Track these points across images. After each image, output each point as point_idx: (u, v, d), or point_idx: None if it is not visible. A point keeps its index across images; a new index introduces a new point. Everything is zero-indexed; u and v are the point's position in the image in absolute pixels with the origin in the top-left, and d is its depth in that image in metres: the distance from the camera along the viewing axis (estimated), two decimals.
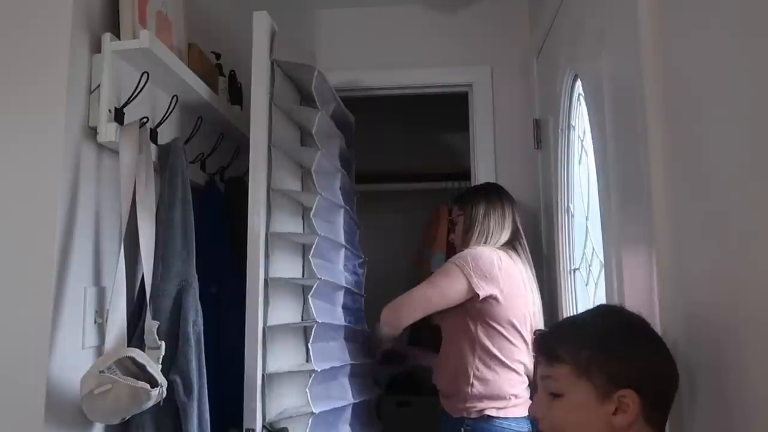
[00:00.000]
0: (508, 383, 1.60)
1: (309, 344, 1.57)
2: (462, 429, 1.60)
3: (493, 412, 1.57)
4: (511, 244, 1.76)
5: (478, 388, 1.59)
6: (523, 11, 2.27)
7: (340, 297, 1.86)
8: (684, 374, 0.93)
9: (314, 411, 1.53)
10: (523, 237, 1.79)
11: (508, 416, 1.57)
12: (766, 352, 0.73)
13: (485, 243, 1.74)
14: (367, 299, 2.06)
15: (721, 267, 0.84)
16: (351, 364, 1.81)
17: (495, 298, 1.61)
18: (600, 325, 0.95)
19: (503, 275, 1.64)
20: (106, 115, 1.26)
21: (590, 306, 1.57)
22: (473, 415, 1.57)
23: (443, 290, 1.65)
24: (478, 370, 1.61)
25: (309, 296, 1.58)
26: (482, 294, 1.60)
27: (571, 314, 1.68)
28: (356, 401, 1.78)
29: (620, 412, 0.85)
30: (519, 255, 1.75)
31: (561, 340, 0.94)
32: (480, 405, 1.59)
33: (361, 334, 1.98)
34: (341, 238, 1.88)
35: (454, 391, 1.65)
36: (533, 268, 1.78)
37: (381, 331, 1.76)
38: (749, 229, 0.76)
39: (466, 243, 1.76)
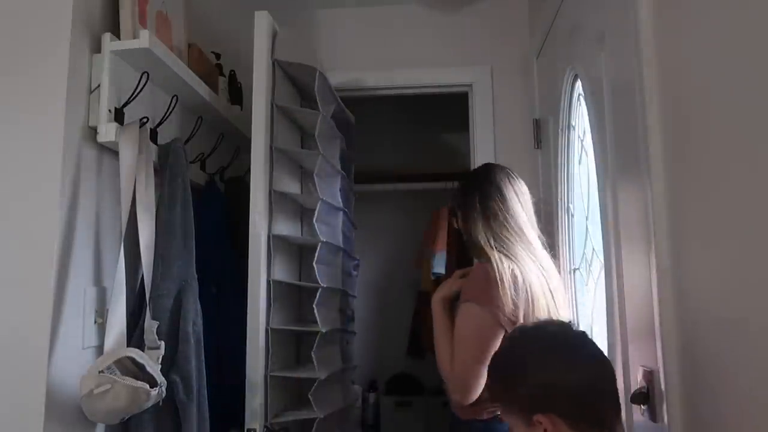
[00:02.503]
0: None
1: (312, 352, 1.57)
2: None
3: None
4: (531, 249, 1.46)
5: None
6: (523, 11, 2.27)
7: (338, 300, 1.87)
8: (681, 374, 0.93)
9: (320, 415, 1.54)
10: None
11: None
12: (764, 353, 0.73)
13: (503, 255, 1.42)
14: (367, 298, 2.07)
15: (720, 267, 0.84)
16: (342, 368, 1.82)
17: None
18: (502, 357, 0.99)
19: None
20: (106, 115, 1.26)
21: (591, 306, 1.58)
22: (484, 416, 1.46)
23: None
24: None
25: (314, 305, 1.59)
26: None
27: (568, 316, 1.59)
28: (345, 405, 1.79)
29: None
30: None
31: (489, 381, 1.02)
32: (493, 406, 1.44)
33: (347, 337, 1.97)
34: (340, 241, 1.88)
35: None
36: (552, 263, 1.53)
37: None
38: (749, 230, 0.76)
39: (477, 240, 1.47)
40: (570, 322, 0.95)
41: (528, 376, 0.89)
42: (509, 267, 1.38)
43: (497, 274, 1.36)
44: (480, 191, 1.51)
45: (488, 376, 1.02)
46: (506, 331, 1.35)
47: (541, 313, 1.38)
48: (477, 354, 1.36)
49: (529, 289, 1.38)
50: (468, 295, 1.41)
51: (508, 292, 1.35)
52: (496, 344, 1.35)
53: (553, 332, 0.94)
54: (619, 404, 0.89)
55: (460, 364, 1.39)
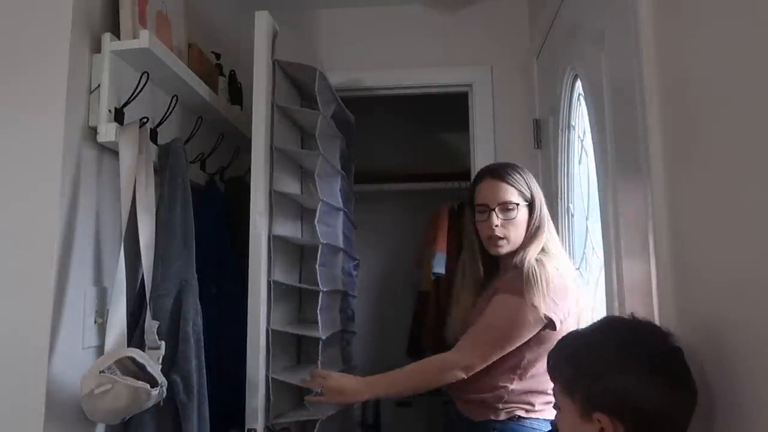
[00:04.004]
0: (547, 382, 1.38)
1: (318, 357, 1.57)
2: None
3: (522, 413, 1.40)
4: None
5: (516, 387, 1.40)
6: (523, 11, 2.27)
7: (338, 301, 1.87)
8: None
9: (321, 416, 1.54)
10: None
11: (539, 417, 1.40)
12: (765, 351, 0.73)
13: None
14: (367, 298, 2.07)
15: (720, 268, 0.84)
16: (342, 369, 1.82)
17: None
18: (587, 341, 0.91)
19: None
20: (106, 115, 1.26)
21: (591, 305, 1.58)
22: (501, 417, 1.40)
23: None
24: (516, 374, 1.40)
25: (318, 311, 1.59)
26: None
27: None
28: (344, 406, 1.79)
29: None
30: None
31: (555, 356, 0.95)
32: (510, 406, 1.41)
33: (347, 337, 1.97)
34: (340, 242, 1.88)
35: (484, 395, 1.42)
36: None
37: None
38: (749, 229, 0.76)
39: (532, 244, 1.44)
40: (669, 332, 0.87)
41: (610, 375, 0.83)
42: (554, 266, 1.39)
43: (544, 274, 1.36)
44: (540, 191, 1.50)
45: (559, 350, 0.95)
46: (540, 327, 1.34)
47: (573, 308, 1.39)
48: (502, 337, 1.35)
49: (568, 287, 1.39)
50: (506, 289, 1.39)
51: (547, 291, 1.34)
52: (524, 336, 1.35)
53: (649, 341, 0.86)
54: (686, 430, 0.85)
55: (480, 335, 1.38)
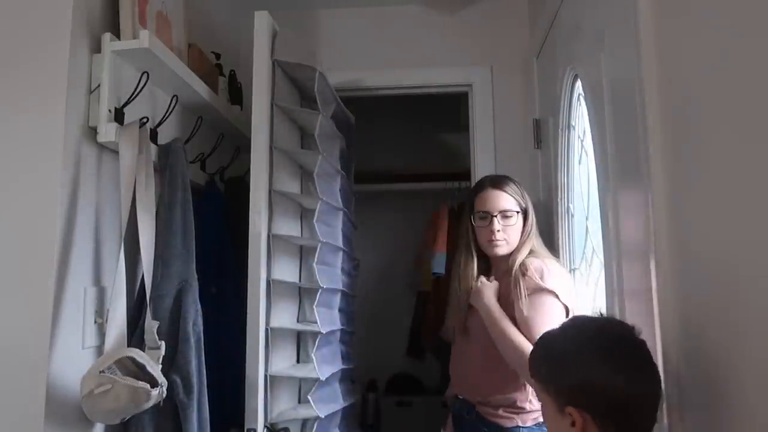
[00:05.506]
0: None
1: (313, 353, 1.57)
2: None
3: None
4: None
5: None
6: (523, 11, 2.27)
7: (337, 300, 1.87)
8: (681, 375, 0.93)
9: (320, 415, 1.54)
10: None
11: None
12: (765, 355, 0.73)
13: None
14: (367, 299, 2.07)
15: (720, 269, 0.84)
16: (342, 368, 1.82)
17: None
18: (556, 339, 0.98)
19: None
20: (106, 115, 1.26)
21: (589, 306, 1.58)
22: (528, 423, 1.45)
23: None
24: None
25: (314, 306, 1.59)
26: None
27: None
28: (345, 405, 1.79)
29: (574, 426, 0.87)
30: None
31: (533, 356, 1.02)
32: (537, 411, 1.45)
33: (346, 337, 1.97)
34: (340, 242, 1.88)
35: (507, 398, 1.48)
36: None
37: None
38: (750, 231, 0.76)
39: (523, 248, 1.60)
40: (634, 327, 0.92)
41: (574, 370, 0.89)
42: (553, 262, 1.56)
43: (549, 268, 1.51)
44: (530, 202, 1.66)
45: (535, 350, 1.01)
46: (567, 309, 1.48)
47: (573, 301, 1.51)
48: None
49: (567, 278, 1.55)
50: (531, 288, 1.49)
51: (564, 282, 1.51)
52: None
53: (611, 334, 0.92)
54: (654, 418, 0.89)
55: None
